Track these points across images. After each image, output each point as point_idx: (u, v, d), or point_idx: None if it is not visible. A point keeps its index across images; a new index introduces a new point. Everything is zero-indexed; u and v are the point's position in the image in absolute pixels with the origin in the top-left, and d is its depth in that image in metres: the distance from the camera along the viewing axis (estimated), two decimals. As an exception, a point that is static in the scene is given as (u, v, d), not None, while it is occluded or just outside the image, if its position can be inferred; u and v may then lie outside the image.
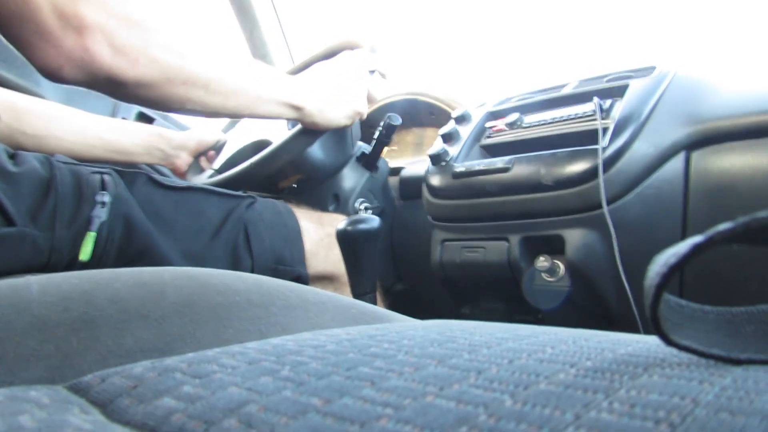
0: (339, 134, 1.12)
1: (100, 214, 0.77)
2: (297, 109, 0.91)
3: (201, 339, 0.35)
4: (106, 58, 0.67)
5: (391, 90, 1.40)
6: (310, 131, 0.98)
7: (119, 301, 0.36)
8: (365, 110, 1.01)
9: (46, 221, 0.74)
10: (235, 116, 0.89)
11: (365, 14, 2.00)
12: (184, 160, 1.21)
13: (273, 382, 0.23)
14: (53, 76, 0.67)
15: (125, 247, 0.80)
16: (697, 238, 0.19)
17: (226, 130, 1.33)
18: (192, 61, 0.75)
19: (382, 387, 0.21)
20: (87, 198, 0.78)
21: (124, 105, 1.46)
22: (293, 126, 1.03)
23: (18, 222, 0.72)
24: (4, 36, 0.65)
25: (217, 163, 1.21)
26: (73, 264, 0.76)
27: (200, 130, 1.25)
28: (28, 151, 0.82)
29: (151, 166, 1.30)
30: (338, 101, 0.96)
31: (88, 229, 0.76)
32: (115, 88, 0.71)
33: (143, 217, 0.82)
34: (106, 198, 0.78)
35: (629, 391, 0.19)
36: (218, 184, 1.05)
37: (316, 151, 1.09)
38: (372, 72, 1.03)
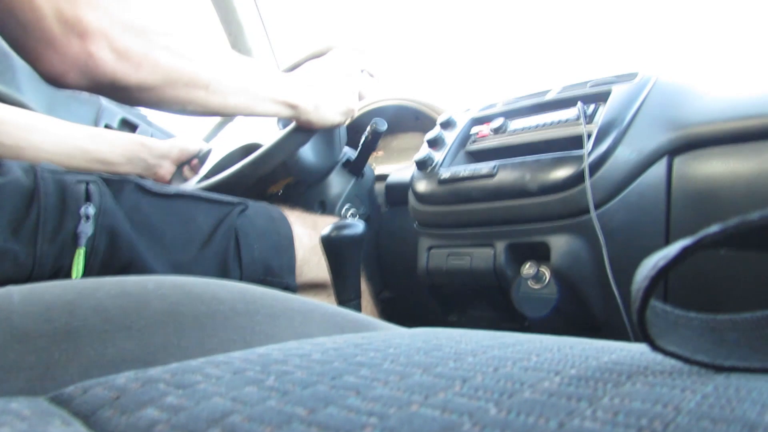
0: (329, 136, 1.12)
1: (86, 230, 0.76)
2: (293, 107, 0.91)
3: (185, 349, 0.34)
4: (110, 63, 0.68)
5: (379, 93, 1.40)
6: (303, 130, 0.98)
7: (102, 312, 0.35)
8: (357, 108, 1.02)
9: (28, 235, 0.73)
10: (233, 115, 0.90)
11: (351, 18, 2.00)
12: (167, 169, 1.20)
13: (257, 391, 0.22)
14: (57, 82, 0.68)
15: (110, 261, 0.79)
16: (685, 241, 0.19)
17: (207, 138, 1.32)
18: (193, 62, 0.76)
19: (368, 396, 0.21)
20: (71, 210, 0.77)
21: (107, 111, 1.45)
22: (284, 126, 1.02)
23: None
24: (8, 43, 0.66)
25: (204, 170, 1.20)
26: (55, 278, 0.75)
27: (183, 139, 1.24)
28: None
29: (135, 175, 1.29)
30: (332, 99, 0.96)
31: (76, 244, 0.75)
32: (119, 93, 0.72)
33: (129, 229, 0.81)
34: (91, 210, 0.77)
35: (612, 399, 0.19)
36: (209, 188, 1.04)
37: (308, 152, 1.09)
38: (361, 71, 1.03)
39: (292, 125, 0.98)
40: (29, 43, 0.65)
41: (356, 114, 1.03)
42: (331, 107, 0.96)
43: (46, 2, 0.63)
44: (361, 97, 1.03)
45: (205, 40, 0.79)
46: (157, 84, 0.73)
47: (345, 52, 1.04)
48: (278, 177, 1.16)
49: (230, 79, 0.81)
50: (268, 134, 1.11)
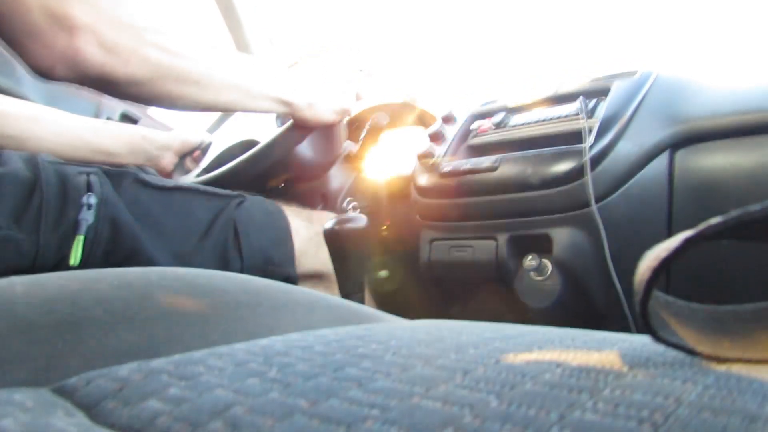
0: (327, 133, 1.11)
1: (87, 217, 0.76)
2: (287, 104, 0.91)
3: (188, 341, 0.35)
4: (98, 57, 0.67)
5: (377, 93, 1.40)
6: (299, 128, 0.97)
7: (105, 303, 0.35)
8: (353, 108, 1.01)
9: (31, 223, 0.73)
10: (226, 111, 0.90)
11: (351, 14, 1.99)
12: (168, 160, 1.20)
13: (260, 383, 0.23)
14: (46, 75, 0.67)
15: (112, 250, 0.79)
16: (688, 233, 0.19)
17: (211, 130, 1.32)
18: (184, 58, 0.76)
19: (369, 388, 0.21)
20: (73, 200, 0.77)
21: (107, 105, 1.45)
22: (282, 124, 1.02)
23: (1, 224, 0.71)
24: None
25: (204, 163, 1.20)
26: (58, 267, 0.76)
27: (184, 131, 1.24)
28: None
29: (137, 165, 1.29)
30: (327, 97, 0.96)
31: (76, 232, 0.76)
32: (108, 86, 0.72)
33: (130, 218, 0.81)
34: (93, 200, 0.78)
35: (614, 391, 0.19)
36: (207, 183, 1.04)
37: (305, 150, 1.09)
38: (359, 70, 1.03)
39: (288, 123, 0.98)
40: (16, 37, 0.65)
41: (353, 113, 1.02)
42: (325, 106, 0.96)
43: None
44: (358, 98, 1.02)
45: (198, 38, 0.79)
46: (147, 79, 0.73)
47: (343, 51, 1.04)
48: (276, 173, 1.16)
49: (222, 76, 0.81)
50: (265, 131, 1.10)
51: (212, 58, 0.80)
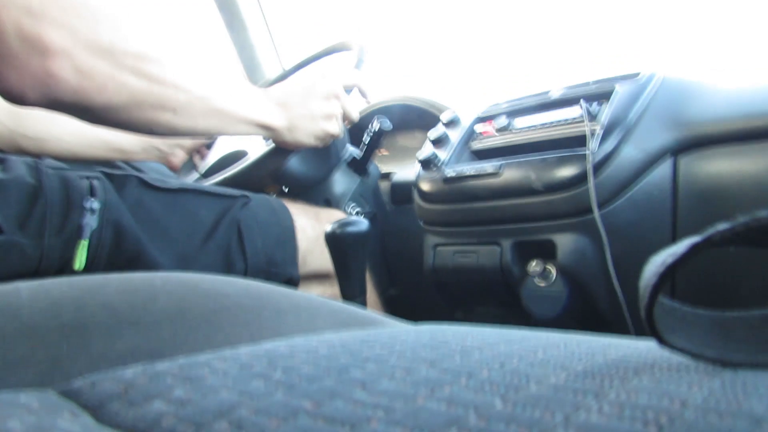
0: (319, 150, 1.11)
1: (91, 222, 0.76)
2: (267, 128, 0.90)
3: (192, 345, 0.35)
4: (72, 82, 0.65)
5: (384, 94, 1.40)
6: (281, 150, 0.97)
7: (110, 307, 0.35)
8: (338, 131, 0.99)
9: (35, 229, 0.74)
10: (205, 135, 0.87)
11: (354, 17, 2.00)
12: (179, 157, 1.21)
13: (264, 385, 0.23)
14: (16, 100, 0.64)
15: (116, 254, 0.79)
16: (695, 238, 0.19)
17: None
18: (162, 85, 0.74)
19: (374, 390, 0.21)
20: (75, 205, 0.77)
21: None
22: (269, 140, 1.02)
23: (6, 230, 0.71)
24: None
25: (210, 160, 1.22)
26: (62, 272, 0.76)
27: None
28: (29, 154, 0.81)
29: (132, 166, 1.30)
30: (310, 121, 0.94)
31: (80, 237, 0.76)
32: (82, 113, 0.70)
33: (133, 222, 0.81)
34: (95, 204, 0.78)
35: (619, 394, 0.19)
36: None
37: (296, 164, 1.09)
38: (350, 90, 1.01)
39: (272, 145, 0.98)
40: None
41: (341, 136, 1.01)
42: (305, 130, 0.94)
43: (7, 18, 0.60)
44: (351, 120, 1.00)
45: (179, 60, 0.76)
46: (122, 105, 0.70)
47: (337, 68, 1.02)
48: (267, 185, 1.16)
49: (201, 103, 0.79)
50: (252, 144, 1.11)
51: (191, 84, 0.78)
